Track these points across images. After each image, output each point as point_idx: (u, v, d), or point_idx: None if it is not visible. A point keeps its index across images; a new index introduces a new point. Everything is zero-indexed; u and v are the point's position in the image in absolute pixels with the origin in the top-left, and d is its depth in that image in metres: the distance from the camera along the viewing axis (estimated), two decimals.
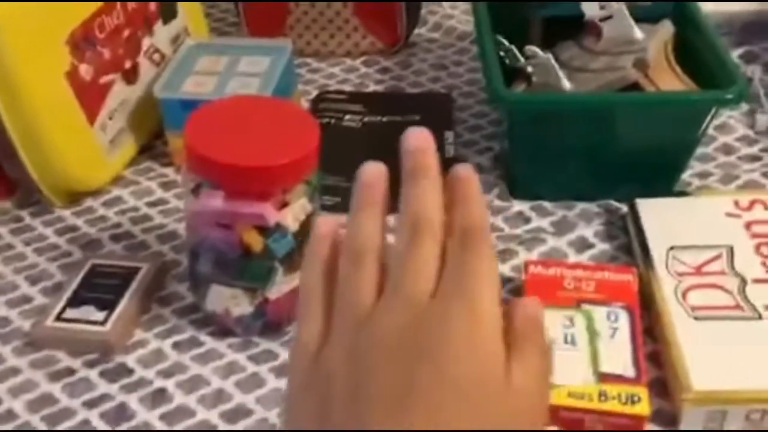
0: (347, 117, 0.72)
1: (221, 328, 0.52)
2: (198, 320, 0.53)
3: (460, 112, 0.72)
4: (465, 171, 0.34)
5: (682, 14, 0.62)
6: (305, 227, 0.49)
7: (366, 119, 0.72)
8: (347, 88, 0.77)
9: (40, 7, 0.57)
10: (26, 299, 0.55)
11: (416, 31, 0.83)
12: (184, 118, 0.50)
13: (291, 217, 0.48)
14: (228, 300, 0.50)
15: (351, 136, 0.70)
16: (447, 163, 0.68)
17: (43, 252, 0.59)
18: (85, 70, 0.62)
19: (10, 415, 0.47)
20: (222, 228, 0.48)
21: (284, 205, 0.48)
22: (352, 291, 0.30)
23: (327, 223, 0.33)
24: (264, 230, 0.47)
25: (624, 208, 0.60)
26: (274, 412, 0.47)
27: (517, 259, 0.57)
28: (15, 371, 0.50)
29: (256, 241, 0.48)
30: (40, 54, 0.57)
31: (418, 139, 0.34)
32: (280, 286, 0.50)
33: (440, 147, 0.68)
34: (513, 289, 0.54)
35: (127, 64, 0.66)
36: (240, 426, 0.46)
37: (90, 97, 0.62)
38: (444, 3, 0.89)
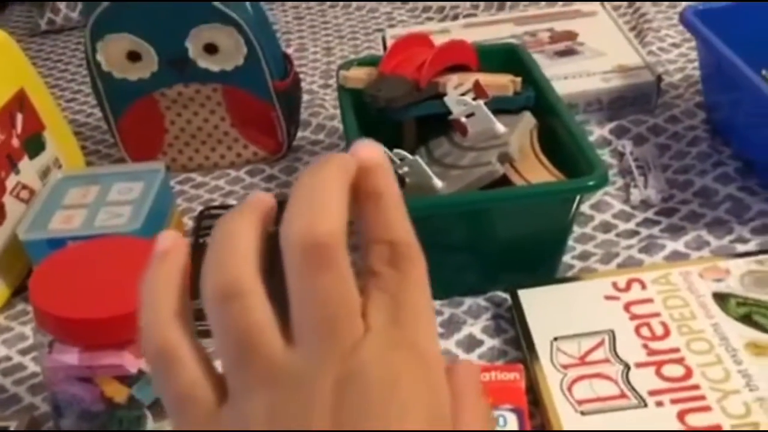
0: None
1: None
2: None
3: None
4: (370, 152, 0.27)
5: (545, 103, 0.64)
6: None
7: None
8: (233, 200, 0.76)
9: None
10: None
11: (299, 134, 0.83)
12: None
13: None
14: None
15: None
16: None
17: None
18: None
19: None
20: (81, 382, 0.45)
21: None
22: (252, 332, 0.24)
23: (168, 239, 0.28)
24: (126, 379, 0.45)
25: (509, 299, 0.60)
26: None
27: None
28: None
29: (119, 392, 0.45)
30: None
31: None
32: None
33: None
34: None
35: None
36: None
37: None
38: (327, 104, 0.90)
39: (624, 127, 0.76)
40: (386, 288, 0.27)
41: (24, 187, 0.67)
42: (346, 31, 1.06)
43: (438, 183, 0.59)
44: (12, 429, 0.52)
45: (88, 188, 0.66)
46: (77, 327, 0.43)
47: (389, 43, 0.90)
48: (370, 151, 0.29)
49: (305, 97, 0.87)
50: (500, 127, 0.60)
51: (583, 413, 0.48)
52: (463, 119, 0.61)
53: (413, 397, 0.25)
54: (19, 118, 0.68)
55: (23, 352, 0.60)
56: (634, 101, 0.78)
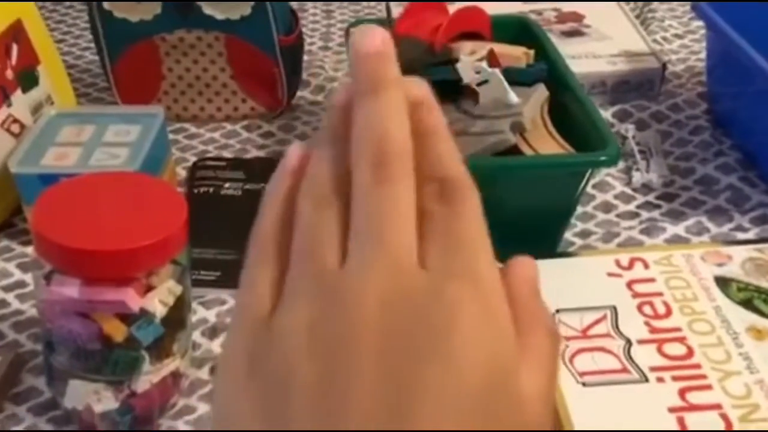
0: (227, 185, 0.69)
1: (84, 426, 0.47)
2: (58, 418, 0.48)
3: None
4: (421, 90, 0.27)
5: (556, 78, 0.64)
6: (174, 311, 0.45)
7: (247, 186, 0.69)
8: (227, 154, 0.74)
9: None
10: None
11: (299, 93, 0.81)
12: None
13: (157, 302, 0.44)
14: (89, 395, 0.46)
15: (231, 205, 0.67)
16: None
17: None
18: None
19: None
20: (79, 317, 0.43)
21: (149, 288, 0.44)
22: (316, 242, 0.24)
23: (296, 154, 0.27)
24: (126, 318, 0.43)
25: None
26: None
27: None
28: None
29: (117, 331, 0.44)
30: None
31: (374, 41, 0.26)
32: (148, 376, 0.46)
33: None
34: None
35: None
36: None
37: None
38: (326, 66, 0.88)
39: (627, 111, 0.76)
40: (440, 224, 0.25)
41: (15, 120, 0.64)
42: None
43: None
44: None
45: (83, 127, 0.63)
46: (81, 257, 0.41)
47: (394, 10, 0.88)
48: (418, 87, 0.28)
49: (304, 57, 0.85)
50: (514, 97, 0.60)
51: (584, 384, 0.47)
52: (477, 86, 0.60)
53: (475, 331, 0.23)
54: (15, 49, 0.65)
55: (6, 289, 0.58)
56: (638, 86, 0.78)
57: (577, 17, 0.87)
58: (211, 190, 0.68)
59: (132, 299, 0.42)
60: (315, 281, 0.24)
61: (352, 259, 0.24)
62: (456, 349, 0.23)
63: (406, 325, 0.23)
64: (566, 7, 0.89)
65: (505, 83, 0.59)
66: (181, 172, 0.71)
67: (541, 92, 0.62)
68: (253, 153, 0.74)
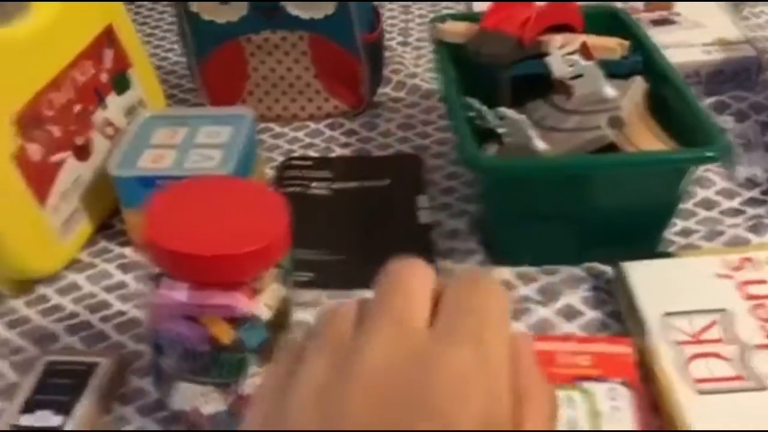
0: (314, 184, 0.69)
1: (191, 427, 0.48)
2: (165, 419, 0.49)
3: (432, 174, 0.70)
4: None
5: (653, 70, 0.61)
6: (278, 314, 0.45)
7: (334, 186, 0.69)
8: (313, 153, 0.74)
9: None
10: None
11: (380, 90, 0.81)
12: (142, 196, 0.47)
13: (263, 305, 0.44)
14: (197, 397, 0.46)
15: (320, 204, 0.67)
16: (422, 230, 0.64)
17: None
18: (33, 150, 0.58)
19: None
20: (187, 320, 0.44)
21: (255, 292, 0.44)
22: (330, 323, 0.27)
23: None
24: (234, 320, 0.44)
25: (609, 270, 0.58)
26: None
27: None
28: None
29: (225, 334, 0.44)
30: None
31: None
32: (255, 379, 0.46)
33: (413, 212, 0.66)
34: None
35: (79, 141, 0.62)
36: None
37: (40, 178, 0.58)
38: (406, 62, 0.87)
39: (724, 102, 0.73)
40: (454, 294, 0.27)
41: (110, 123, 0.66)
42: None
43: (540, 144, 0.57)
44: (102, 365, 0.51)
45: (176, 129, 0.64)
46: (192, 263, 0.41)
47: (475, 6, 0.87)
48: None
49: (385, 54, 0.85)
50: (610, 91, 0.58)
51: (700, 392, 0.46)
52: (570, 81, 0.59)
53: (471, 393, 0.24)
54: (108, 54, 0.66)
55: (108, 290, 0.59)
56: (733, 76, 0.75)
57: (666, 5, 0.84)
58: (300, 189, 0.68)
59: (241, 303, 0.43)
60: (329, 345, 0.26)
61: (362, 325, 0.26)
62: (451, 409, 0.23)
63: (404, 383, 0.24)
64: None
65: (602, 76, 0.57)
66: (268, 172, 0.71)
67: (638, 85, 0.60)
68: (338, 151, 0.74)
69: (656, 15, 0.83)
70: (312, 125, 0.78)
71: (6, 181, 0.56)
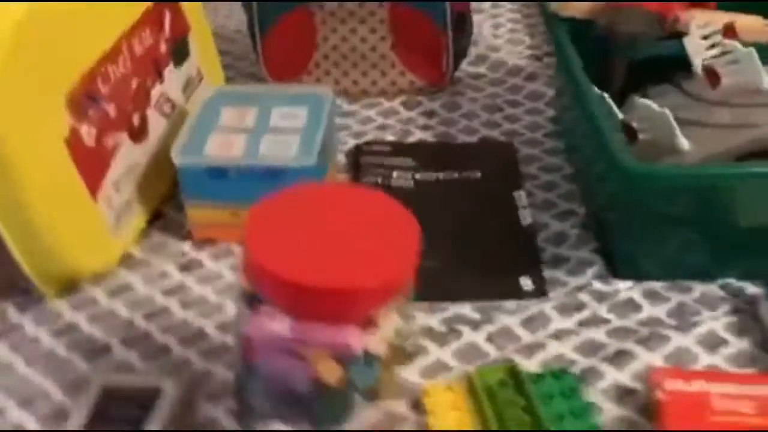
0: (395, 174, 0.61)
1: None
2: None
3: (526, 166, 0.62)
4: None
5: None
6: (394, 348, 0.38)
7: (418, 176, 0.60)
8: (387, 136, 0.66)
9: (33, 61, 0.44)
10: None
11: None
12: (208, 187, 0.38)
13: (381, 341, 0.36)
14: None
15: (404, 198, 0.58)
16: (525, 233, 0.55)
17: (35, 362, 0.47)
18: (86, 133, 0.50)
19: None
20: (287, 355, 0.36)
21: (371, 324, 0.36)
22: None
23: None
24: (344, 358, 0.36)
25: (749, 287, 0.50)
26: None
27: (637, 362, 0.46)
28: None
29: (332, 373, 0.36)
30: (32, 118, 0.45)
31: None
32: (358, 417, 0.38)
33: (513, 212, 0.57)
34: (641, 407, 0.43)
35: (135, 120, 0.54)
36: None
37: (92, 165, 0.50)
38: (484, 32, 0.78)
39: None
40: None
41: (167, 99, 0.58)
42: None
43: (684, 143, 0.49)
44: (167, 390, 0.43)
45: (245, 109, 0.56)
46: (299, 293, 0.33)
47: None
48: None
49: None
50: None
51: None
52: (719, 68, 0.50)
53: None
54: (168, 16, 0.58)
55: (168, 293, 0.52)
56: None
57: None
58: (380, 180, 0.60)
59: (356, 341, 0.35)
60: None
61: None
62: None
63: None
64: None
65: (760, 65, 0.49)
66: (340, 158, 0.63)
67: None
68: (417, 135, 0.66)
69: None
70: (385, 103, 0.69)
71: (57, 170, 0.48)
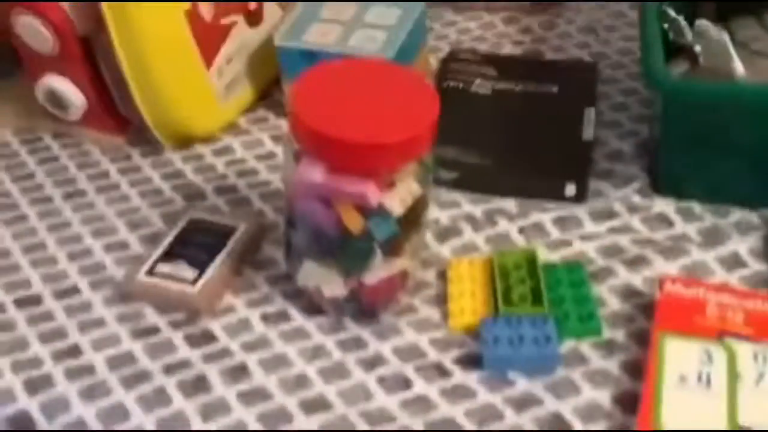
0: (477, 81, 0.65)
1: (312, 304, 0.49)
2: (289, 292, 0.50)
3: (606, 86, 0.64)
4: None
5: None
6: (411, 212, 0.44)
7: (497, 86, 0.65)
8: (482, 47, 0.70)
9: None
10: (123, 246, 0.54)
11: None
12: (303, 69, 0.46)
13: (396, 200, 0.43)
14: (321, 278, 0.46)
15: (479, 103, 0.63)
16: (583, 146, 0.59)
17: (146, 196, 0.58)
18: (206, 10, 0.58)
19: (88, 371, 0.46)
20: (320, 202, 0.43)
21: (391, 185, 0.43)
22: None
23: None
24: (365, 210, 0.43)
25: None
26: (353, 409, 0.43)
27: (651, 269, 0.49)
28: (100, 323, 0.49)
29: (355, 222, 0.43)
30: None
31: None
32: (378, 271, 0.45)
33: (578, 126, 0.61)
34: (642, 305, 0.47)
35: (252, 5, 0.62)
36: (316, 419, 0.43)
37: (208, 39, 0.59)
38: None
39: None
40: None
41: None
42: None
43: (740, 68, 0.50)
44: (241, 229, 0.52)
45: (346, 5, 0.62)
46: (329, 144, 0.41)
47: None
48: None
49: None
50: None
51: None
52: None
53: None
54: None
55: (259, 158, 0.60)
56: None
57: None
58: (461, 85, 0.65)
59: (373, 193, 0.42)
60: None
61: None
62: None
63: None
64: None
65: None
66: (433, 62, 0.68)
67: None
68: (509, 49, 0.70)
69: None
70: (487, 17, 0.73)
71: (177, 37, 0.57)
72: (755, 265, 0.49)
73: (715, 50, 0.50)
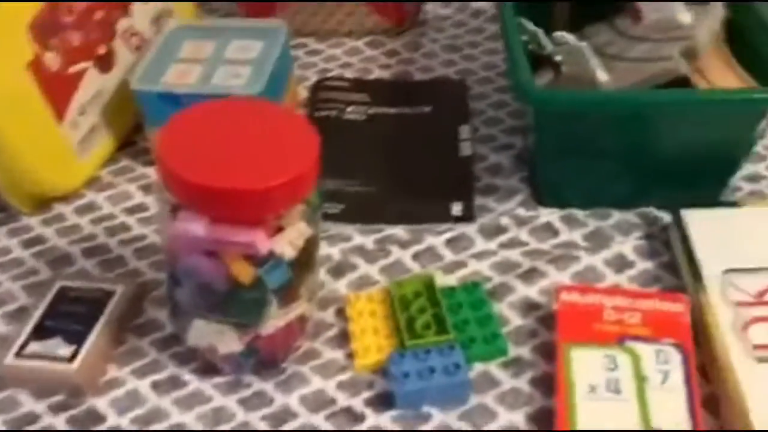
0: (350, 109, 0.64)
1: (207, 364, 0.45)
2: (180, 355, 0.46)
3: (477, 102, 0.65)
4: None
5: None
6: (303, 253, 0.42)
7: (371, 111, 0.64)
8: (349, 73, 0.69)
9: None
10: None
11: (424, 7, 0.75)
12: (166, 113, 0.42)
13: (287, 244, 0.40)
14: (213, 335, 0.43)
15: (355, 130, 0.62)
16: (462, 163, 0.59)
17: (7, 268, 0.52)
18: (51, 59, 0.54)
19: None
20: (206, 256, 0.40)
21: (278, 229, 0.40)
22: None
23: None
24: (255, 259, 0.40)
25: (665, 217, 0.53)
26: None
27: (546, 280, 0.50)
28: None
29: (245, 272, 0.40)
30: None
31: None
32: (274, 320, 0.43)
33: (455, 144, 0.61)
34: (542, 317, 0.47)
35: (101, 50, 0.58)
36: None
37: (57, 90, 0.54)
38: None
39: None
40: None
41: (134, 33, 0.61)
42: None
43: (603, 75, 0.52)
44: (118, 293, 0.48)
45: (204, 42, 0.59)
46: (210, 196, 0.38)
47: None
48: None
49: None
50: (686, 17, 0.51)
51: (759, 360, 0.41)
52: (640, 2, 0.52)
53: None
54: None
55: (128, 212, 0.56)
56: None
57: None
58: (334, 113, 0.63)
59: (261, 241, 0.39)
60: None
61: None
62: None
63: None
64: None
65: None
66: (302, 92, 0.66)
67: (717, 11, 0.53)
68: (377, 73, 0.69)
69: None
70: (350, 43, 0.73)
71: (21, 93, 0.52)
72: (641, 264, 0.50)
73: (576, 58, 0.52)
